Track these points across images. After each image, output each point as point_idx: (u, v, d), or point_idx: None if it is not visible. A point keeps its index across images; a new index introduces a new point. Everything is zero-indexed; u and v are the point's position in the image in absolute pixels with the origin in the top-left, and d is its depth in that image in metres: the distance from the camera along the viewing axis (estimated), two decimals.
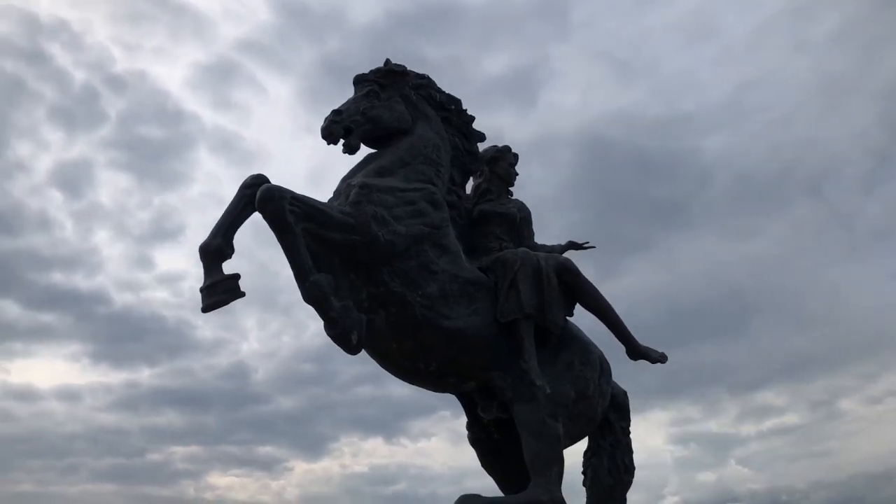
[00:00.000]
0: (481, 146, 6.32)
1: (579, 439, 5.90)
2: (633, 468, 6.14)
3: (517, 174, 6.55)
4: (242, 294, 4.86)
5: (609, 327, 5.96)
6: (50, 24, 23.87)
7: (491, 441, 5.89)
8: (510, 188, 6.52)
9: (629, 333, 5.96)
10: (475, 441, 5.97)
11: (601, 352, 6.07)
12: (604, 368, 5.98)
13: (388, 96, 5.68)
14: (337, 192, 5.33)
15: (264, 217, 4.69)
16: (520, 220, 6.30)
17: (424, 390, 5.73)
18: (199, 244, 4.84)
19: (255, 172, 5.06)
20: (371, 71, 5.75)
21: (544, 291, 5.61)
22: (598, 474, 5.99)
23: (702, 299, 23.93)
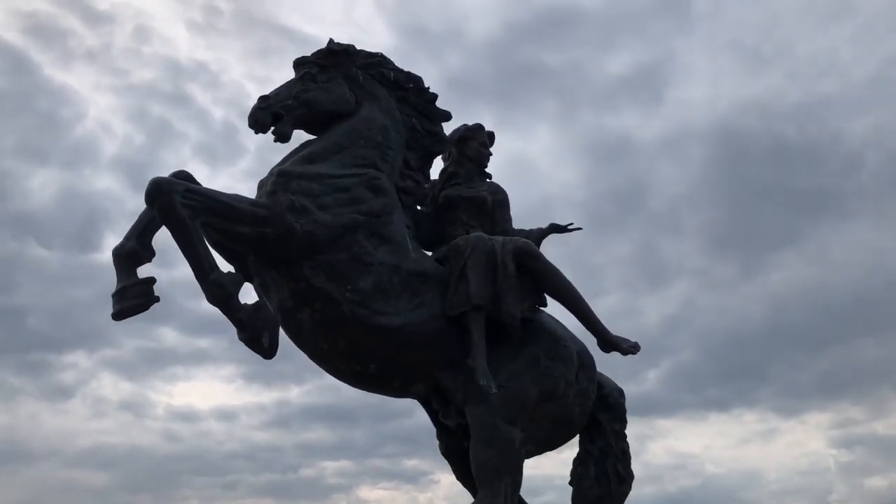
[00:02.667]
0: (448, 127, 5.79)
1: (554, 446, 5.20)
2: (630, 477, 5.31)
3: (490, 154, 5.94)
4: (156, 299, 4.63)
5: (576, 316, 5.22)
6: (190, 66, 25.79)
7: (462, 450, 5.29)
8: (485, 170, 5.93)
9: (599, 323, 5.18)
10: (446, 451, 5.43)
11: (582, 346, 5.33)
12: (584, 363, 5.23)
13: (328, 78, 5.24)
14: (260, 184, 4.98)
15: (156, 213, 4.41)
16: (492, 204, 5.69)
17: None
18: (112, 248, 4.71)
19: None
20: (313, 53, 5.36)
21: (498, 280, 4.99)
22: (582, 485, 5.24)
23: (859, 291, 21.37)
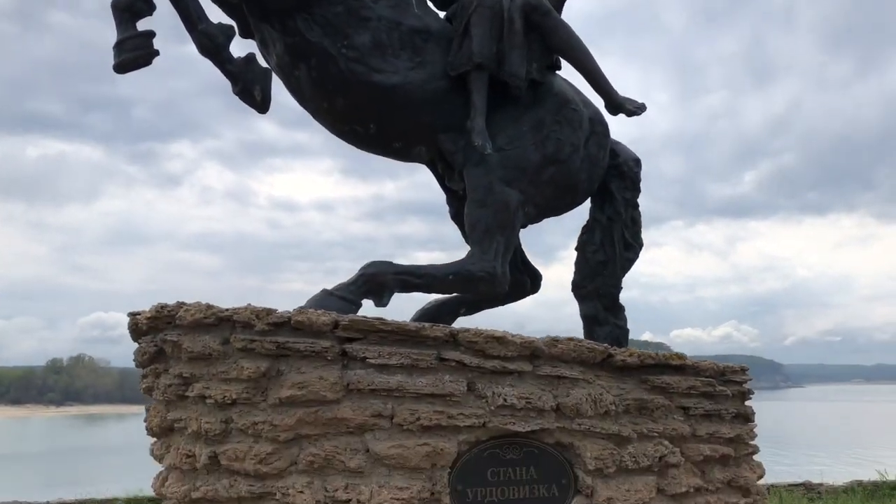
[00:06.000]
0: None
1: (556, 212, 5.11)
2: (638, 245, 5.23)
3: None
4: (156, 53, 4.64)
5: (583, 74, 4.93)
6: None
7: None
8: None
9: (607, 83, 4.88)
10: (455, 216, 5.47)
11: (596, 111, 5.08)
12: (595, 130, 5.01)
13: None
14: None
15: None
16: None
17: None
18: None
19: None
20: None
21: (504, 37, 4.72)
22: (586, 250, 5.21)
23: None
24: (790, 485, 14.67)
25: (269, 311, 3.55)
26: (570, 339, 3.91)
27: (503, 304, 5.41)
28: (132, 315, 3.89)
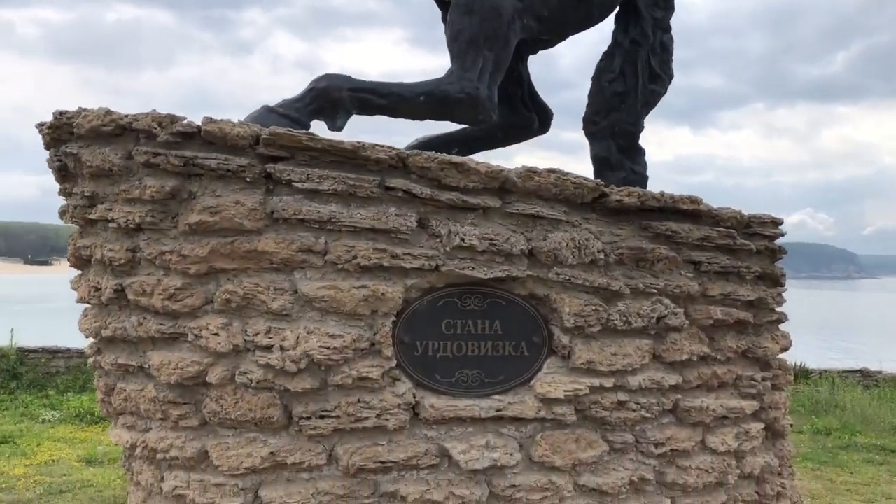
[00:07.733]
0: None
1: (565, 30, 4.17)
2: (668, 77, 4.32)
3: None
4: None
5: None
6: None
7: None
8: None
9: None
10: None
11: None
12: None
13: None
14: None
15: None
16: None
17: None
18: None
19: None
20: None
21: None
22: (602, 79, 4.33)
23: None
24: (845, 371, 13.92)
25: (175, 119, 2.92)
26: (552, 170, 3.17)
27: (504, 145, 4.66)
28: (39, 126, 3.32)
